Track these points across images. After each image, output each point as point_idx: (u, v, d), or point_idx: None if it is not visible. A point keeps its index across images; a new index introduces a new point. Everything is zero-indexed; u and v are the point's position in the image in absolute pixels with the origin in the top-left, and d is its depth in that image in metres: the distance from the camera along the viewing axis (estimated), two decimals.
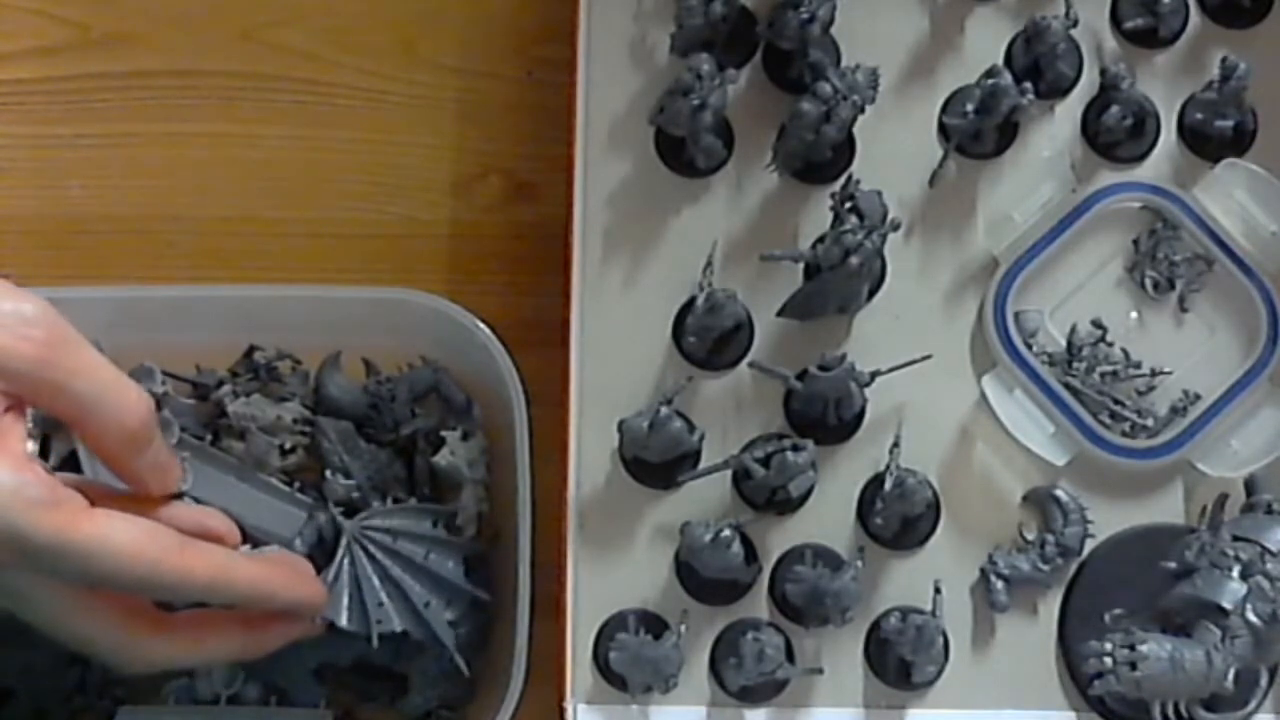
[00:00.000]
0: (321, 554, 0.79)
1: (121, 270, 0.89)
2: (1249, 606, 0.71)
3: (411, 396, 0.84)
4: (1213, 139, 0.84)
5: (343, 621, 0.77)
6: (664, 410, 0.76)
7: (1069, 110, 0.85)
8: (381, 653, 0.78)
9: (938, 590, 0.77)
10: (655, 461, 0.79)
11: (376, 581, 0.78)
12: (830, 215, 0.78)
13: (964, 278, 0.83)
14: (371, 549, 0.79)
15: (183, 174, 0.91)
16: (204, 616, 0.71)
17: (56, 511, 0.63)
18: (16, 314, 0.63)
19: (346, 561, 0.79)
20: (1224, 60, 0.82)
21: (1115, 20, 0.86)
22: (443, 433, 0.82)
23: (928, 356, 0.79)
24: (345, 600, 0.78)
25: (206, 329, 0.83)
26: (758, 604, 0.79)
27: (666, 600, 0.79)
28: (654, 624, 0.78)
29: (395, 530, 0.79)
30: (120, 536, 0.64)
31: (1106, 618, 0.75)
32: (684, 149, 0.83)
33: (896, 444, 0.78)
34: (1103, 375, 0.81)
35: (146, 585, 0.65)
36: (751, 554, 0.79)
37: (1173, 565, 0.74)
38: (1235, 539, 0.73)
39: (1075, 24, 0.83)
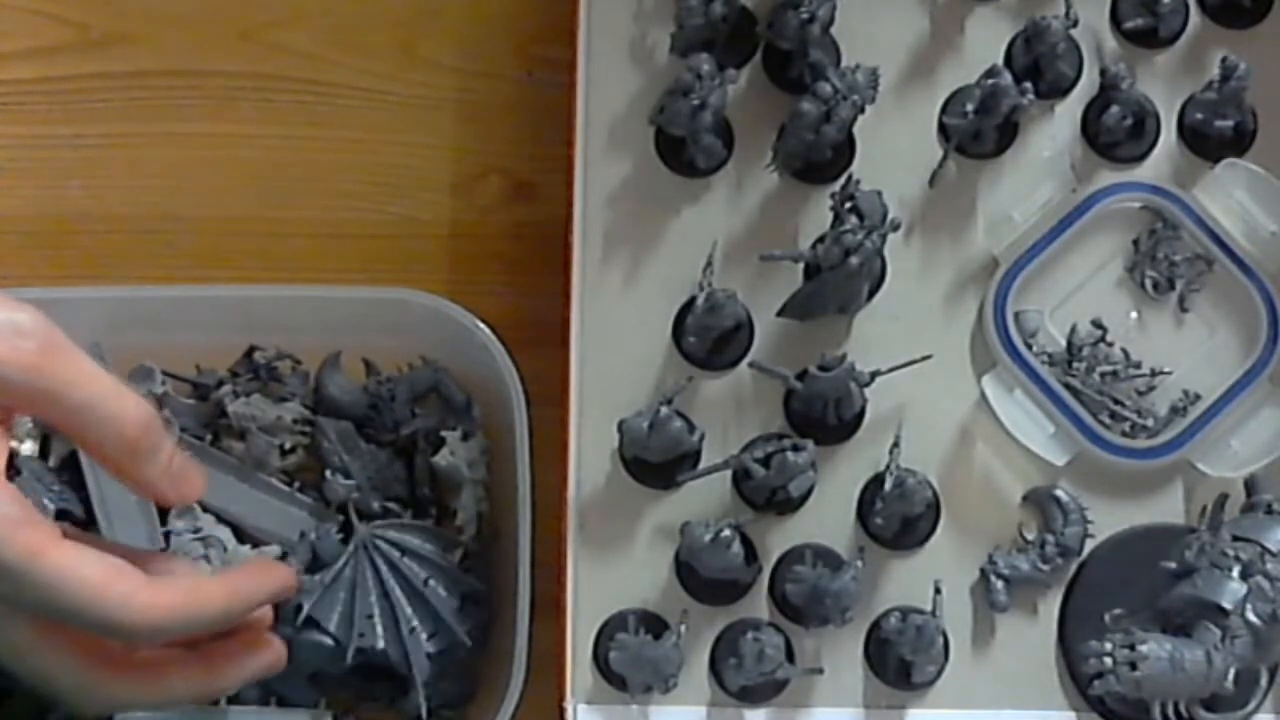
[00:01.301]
0: (329, 554, 0.79)
1: (121, 270, 0.89)
2: (1249, 606, 0.71)
3: (411, 396, 0.84)
4: (1213, 139, 0.84)
5: (331, 626, 0.77)
6: (664, 410, 0.76)
7: (1069, 110, 0.85)
8: (380, 653, 0.78)
9: (938, 590, 0.77)
10: (655, 461, 0.79)
11: (372, 594, 0.78)
12: (830, 215, 0.78)
13: (964, 278, 0.83)
14: (376, 559, 0.79)
15: (183, 174, 0.91)
16: (166, 656, 0.69)
17: (31, 530, 0.61)
18: (10, 323, 0.62)
19: (349, 565, 0.79)
20: (1224, 60, 0.82)
21: (1115, 20, 0.86)
22: (443, 433, 0.82)
23: (928, 356, 0.79)
24: (338, 606, 0.78)
25: (206, 329, 0.83)
26: (758, 604, 0.79)
27: (666, 600, 0.79)
28: (654, 624, 0.78)
29: (404, 546, 0.79)
30: (90, 569, 0.62)
31: (1106, 618, 0.75)
32: (684, 149, 0.83)
33: (896, 444, 0.78)
34: (1103, 375, 0.81)
35: (116, 623, 0.63)
36: (751, 554, 0.79)
37: (1173, 565, 0.74)
38: (1235, 539, 0.73)
39: (1075, 24, 0.83)
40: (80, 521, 0.81)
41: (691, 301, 0.80)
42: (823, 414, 0.79)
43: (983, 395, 0.80)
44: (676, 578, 0.79)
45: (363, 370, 0.84)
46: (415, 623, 0.78)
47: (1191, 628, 0.72)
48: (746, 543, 0.78)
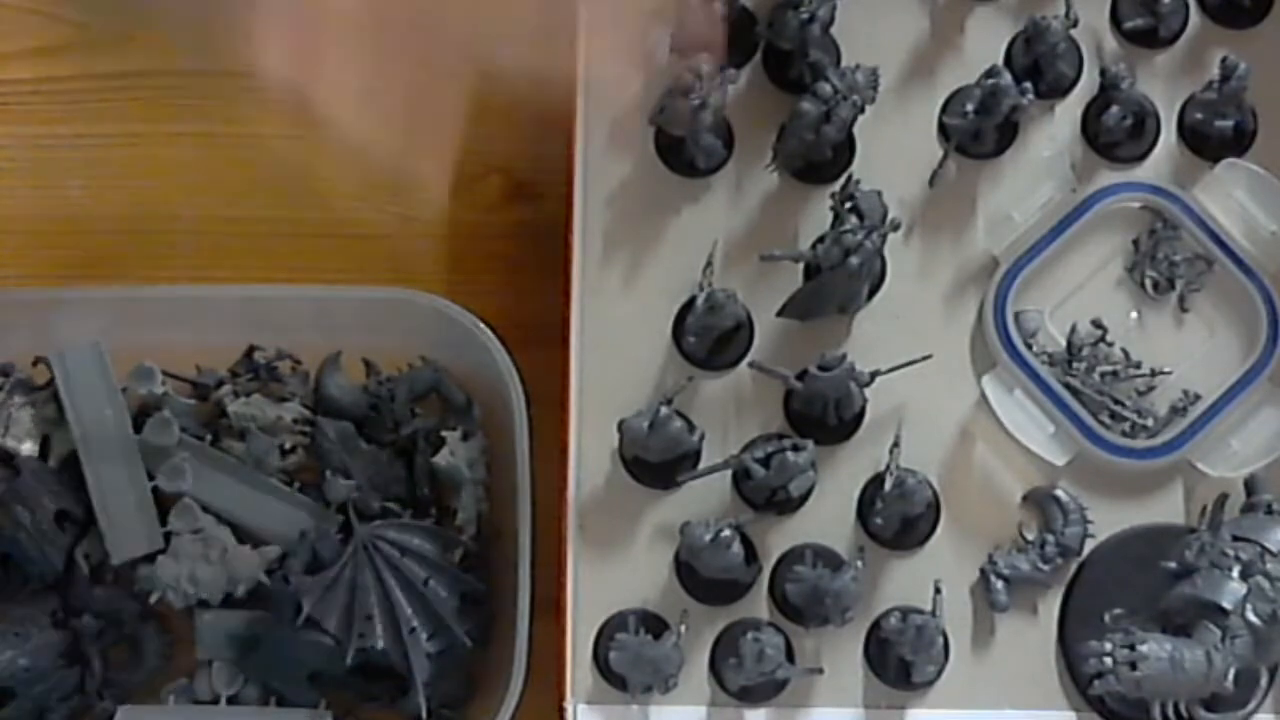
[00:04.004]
0: (329, 554, 0.79)
1: (121, 270, 0.89)
2: (1249, 606, 0.71)
3: (411, 396, 0.84)
4: (1213, 139, 0.84)
5: (331, 626, 0.77)
6: (664, 410, 0.76)
7: (1069, 110, 0.85)
8: (381, 653, 0.78)
9: (938, 590, 0.77)
10: (655, 461, 0.79)
11: (372, 595, 0.78)
12: (830, 215, 0.78)
13: (964, 278, 0.83)
14: (376, 560, 0.79)
15: (183, 174, 0.90)
16: None
17: None
18: None
19: (349, 565, 0.79)
20: (1224, 60, 0.82)
21: (1115, 20, 0.86)
22: (443, 433, 0.82)
23: (928, 356, 0.79)
24: (338, 606, 0.78)
25: (206, 329, 0.83)
26: (758, 604, 0.79)
27: (666, 600, 0.79)
28: (654, 624, 0.78)
29: (404, 546, 0.79)
30: None
31: (1106, 618, 0.75)
32: (684, 149, 0.83)
33: (896, 444, 0.78)
34: (1103, 375, 0.81)
35: None
36: (751, 554, 0.79)
37: (1173, 565, 0.74)
38: (1235, 539, 0.73)
39: (1075, 24, 0.83)
40: (80, 521, 0.81)
41: (691, 301, 0.80)
42: (823, 414, 0.79)
43: (983, 395, 0.80)
44: (676, 578, 0.79)
45: (363, 370, 0.84)
46: (415, 623, 0.78)
47: (1191, 628, 0.72)
48: (746, 543, 0.78)
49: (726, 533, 0.75)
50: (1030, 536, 0.79)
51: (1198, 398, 0.81)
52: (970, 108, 0.82)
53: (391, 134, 0.81)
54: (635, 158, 0.83)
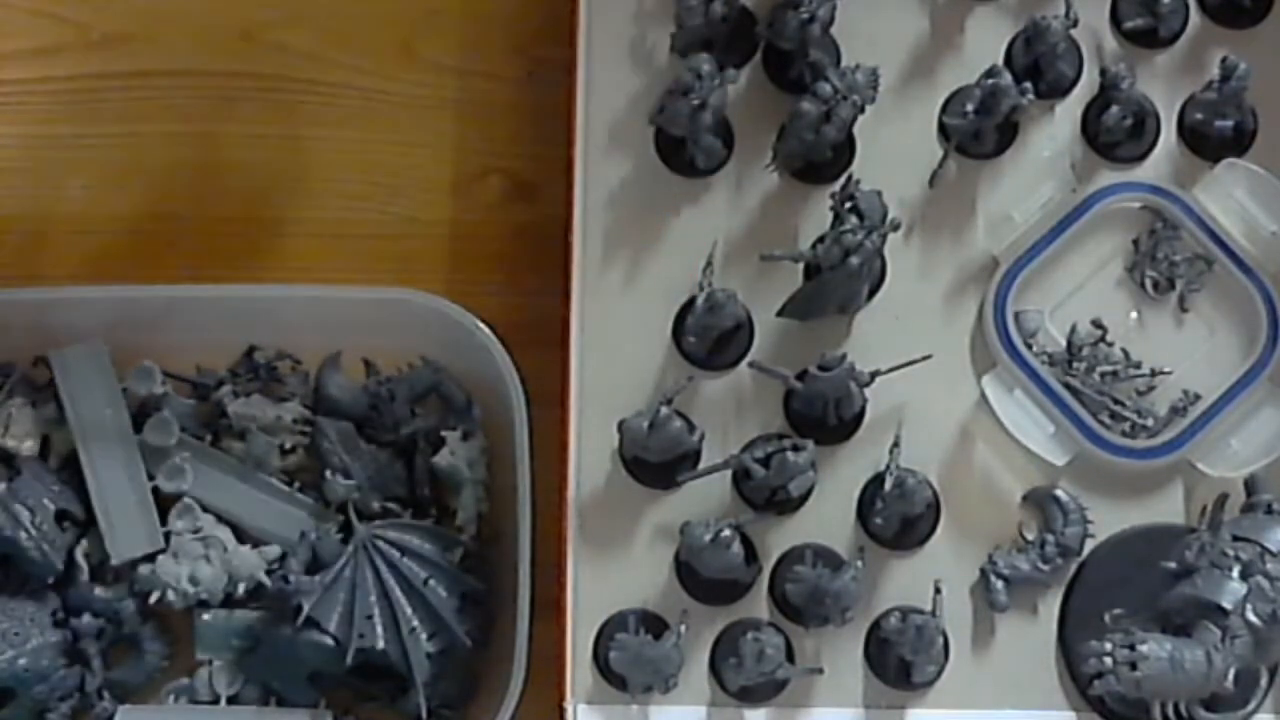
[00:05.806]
0: (329, 554, 0.79)
1: (121, 270, 0.89)
2: (1249, 606, 0.71)
3: (411, 396, 0.84)
4: (1213, 139, 0.84)
5: (331, 626, 0.77)
6: (664, 410, 0.76)
7: (1069, 110, 0.85)
8: (381, 653, 0.78)
9: (938, 590, 0.77)
10: (655, 461, 0.79)
11: (372, 595, 0.78)
12: (830, 215, 0.78)
13: (964, 278, 0.83)
14: (376, 560, 0.79)
15: (183, 174, 0.90)
16: None
17: None
18: None
19: (349, 566, 0.79)
20: (1224, 60, 0.82)
21: (1115, 20, 0.86)
22: (443, 433, 0.82)
23: (928, 356, 0.79)
24: (338, 606, 0.78)
25: (206, 329, 0.83)
26: (758, 604, 0.79)
27: (666, 600, 0.79)
28: (654, 624, 0.78)
29: (404, 546, 0.79)
30: None
31: (1106, 618, 0.75)
32: (684, 149, 0.83)
33: (896, 444, 0.78)
34: (1103, 375, 0.81)
35: None
36: (751, 554, 0.79)
37: (1173, 565, 0.74)
38: (1235, 539, 0.73)
39: (1075, 24, 0.83)
40: (80, 521, 0.81)
41: (691, 301, 0.80)
42: (823, 414, 0.79)
43: (983, 395, 0.80)
44: (676, 578, 0.79)
45: (363, 370, 0.84)
46: (415, 623, 0.78)
47: (1191, 628, 0.72)
48: (746, 543, 0.78)
49: (726, 533, 0.75)
50: (1030, 536, 0.79)
51: (1198, 398, 0.81)
52: (970, 108, 0.82)
53: None
54: (635, 158, 0.83)
